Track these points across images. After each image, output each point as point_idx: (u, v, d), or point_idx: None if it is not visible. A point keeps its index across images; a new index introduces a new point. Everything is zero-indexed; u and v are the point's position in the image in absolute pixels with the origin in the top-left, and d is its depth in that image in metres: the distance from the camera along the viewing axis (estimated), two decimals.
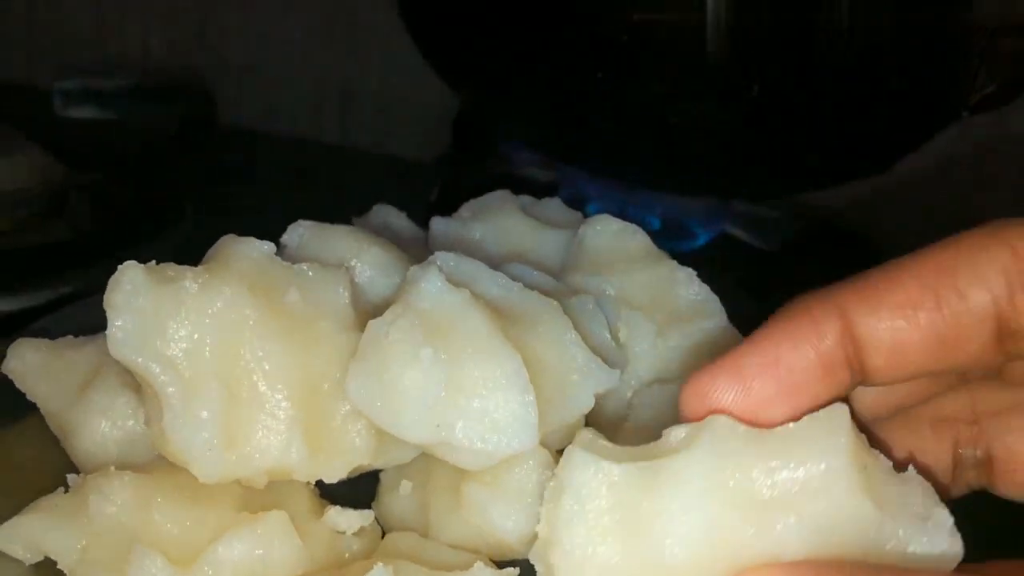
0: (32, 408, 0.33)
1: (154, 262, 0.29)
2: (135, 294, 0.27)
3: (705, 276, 0.36)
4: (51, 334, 0.34)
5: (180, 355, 0.28)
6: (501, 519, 0.29)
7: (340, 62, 0.82)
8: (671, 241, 0.57)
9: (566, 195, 0.59)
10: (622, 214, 0.38)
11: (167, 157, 0.73)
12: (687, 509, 0.23)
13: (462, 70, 0.62)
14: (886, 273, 0.23)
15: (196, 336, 0.28)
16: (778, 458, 0.23)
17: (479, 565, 0.28)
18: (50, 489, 0.29)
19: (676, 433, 0.25)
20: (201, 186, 0.64)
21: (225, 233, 0.31)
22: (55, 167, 0.58)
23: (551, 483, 0.27)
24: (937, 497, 0.24)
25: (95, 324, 0.34)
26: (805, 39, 0.50)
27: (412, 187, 0.43)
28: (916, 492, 0.24)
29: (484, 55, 0.58)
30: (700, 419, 0.25)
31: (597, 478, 0.25)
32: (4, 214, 0.55)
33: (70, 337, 0.34)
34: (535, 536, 0.29)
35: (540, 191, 0.45)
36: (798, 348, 0.23)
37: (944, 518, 0.23)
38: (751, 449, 0.24)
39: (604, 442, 0.26)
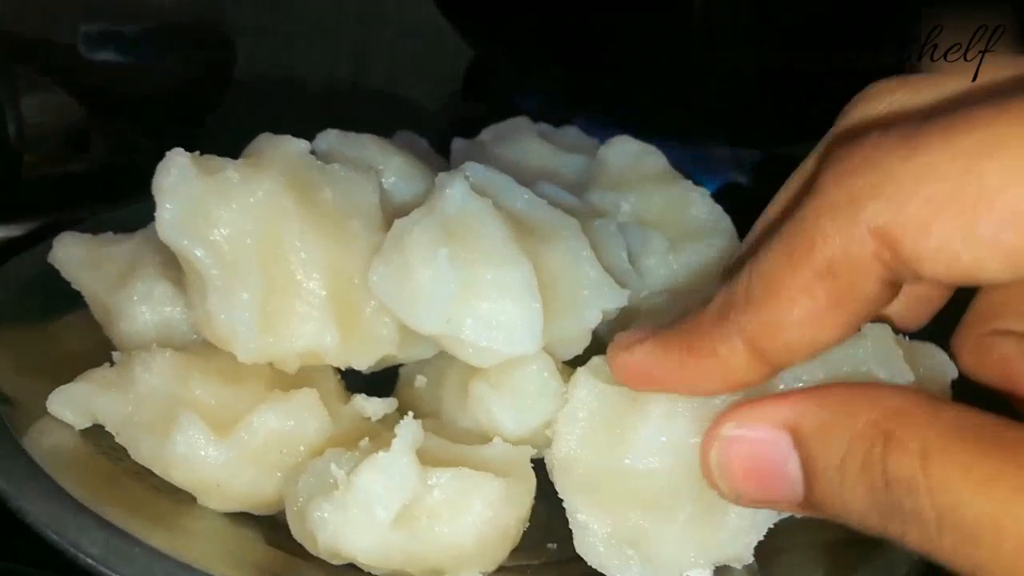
0: (76, 304, 0.35)
1: (198, 153, 0.30)
2: (182, 179, 0.29)
3: None
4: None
5: (223, 240, 0.29)
6: (500, 415, 0.31)
7: (354, 22, 0.84)
8: None
9: None
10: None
11: (186, 104, 0.74)
12: (657, 427, 0.27)
13: (475, 19, 0.63)
14: (769, 284, 0.23)
15: (238, 223, 0.29)
16: None
17: (497, 440, 0.29)
18: None
19: None
20: (216, 133, 0.65)
21: None
22: (76, 108, 0.60)
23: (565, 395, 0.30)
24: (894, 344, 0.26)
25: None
26: None
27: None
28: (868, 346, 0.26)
29: (498, 4, 0.60)
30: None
31: (594, 395, 0.29)
32: (28, 149, 0.57)
33: (109, 233, 0.36)
34: (531, 434, 0.31)
35: None
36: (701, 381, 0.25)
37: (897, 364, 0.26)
38: None
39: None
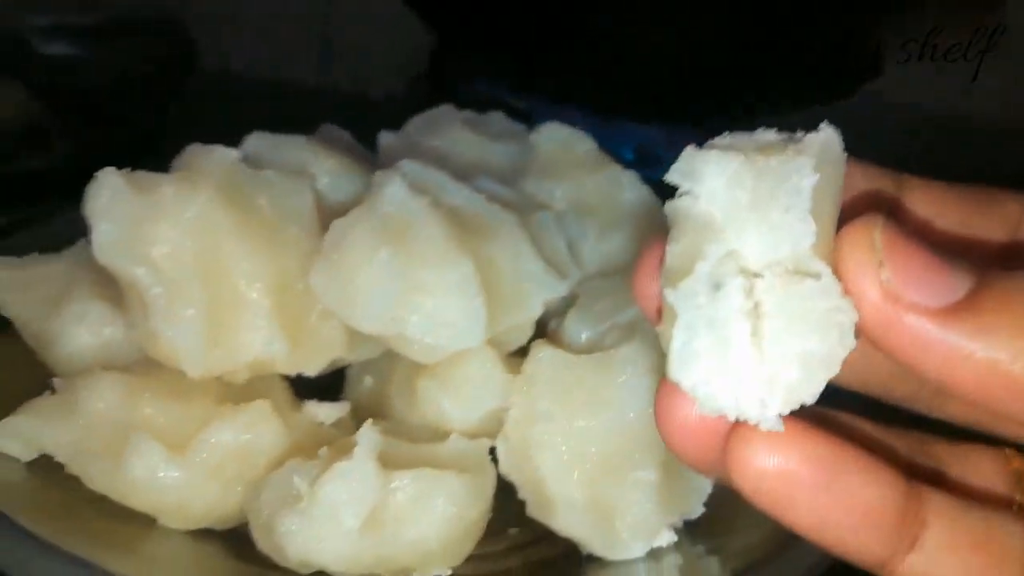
0: (5, 329, 0.33)
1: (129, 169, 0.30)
2: (116, 199, 0.28)
3: None
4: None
5: (162, 258, 0.29)
6: (449, 410, 0.32)
7: (318, 10, 0.82)
8: (643, 169, 0.58)
9: None
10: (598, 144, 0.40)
11: (145, 96, 0.72)
12: (635, 386, 0.29)
13: (437, 5, 0.63)
14: None
15: (176, 239, 0.29)
16: None
17: (455, 436, 0.30)
18: (31, 398, 0.30)
19: (612, 334, 0.31)
20: (177, 126, 0.63)
21: None
22: (34, 104, 0.58)
23: (520, 375, 0.31)
24: None
25: (56, 245, 0.35)
26: None
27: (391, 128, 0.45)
28: None
29: None
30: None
31: (564, 364, 0.30)
32: None
33: (36, 254, 0.35)
34: (479, 425, 0.32)
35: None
36: None
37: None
38: None
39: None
